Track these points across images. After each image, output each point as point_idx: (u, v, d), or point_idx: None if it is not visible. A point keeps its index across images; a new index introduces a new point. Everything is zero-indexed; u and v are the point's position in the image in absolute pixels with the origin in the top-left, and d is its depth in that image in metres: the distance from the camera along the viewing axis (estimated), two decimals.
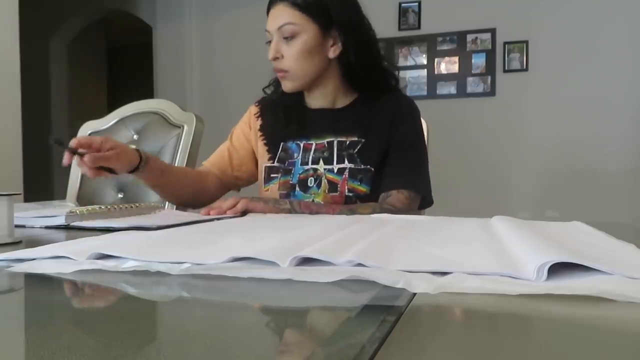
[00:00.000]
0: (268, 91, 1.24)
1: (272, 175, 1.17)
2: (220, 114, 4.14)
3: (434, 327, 0.33)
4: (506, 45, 3.43)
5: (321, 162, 1.13)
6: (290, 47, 1.08)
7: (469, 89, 3.51)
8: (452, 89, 3.53)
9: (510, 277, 0.41)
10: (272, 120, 1.21)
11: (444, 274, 0.42)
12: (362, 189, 1.10)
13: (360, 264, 0.44)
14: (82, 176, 1.66)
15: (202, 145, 1.59)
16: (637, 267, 0.42)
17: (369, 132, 1.13)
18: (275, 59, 1.09)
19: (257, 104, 1.28)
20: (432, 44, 3.57)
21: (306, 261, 0.46)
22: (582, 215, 0.79)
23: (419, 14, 3.61)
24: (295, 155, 1.15)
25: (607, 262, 0.42)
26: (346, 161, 1.11)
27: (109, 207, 0.94)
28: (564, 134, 3.31)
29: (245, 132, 1.26)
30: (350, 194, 1.09)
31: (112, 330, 0.33)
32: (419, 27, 3.63)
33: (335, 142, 1.14)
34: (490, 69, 3.47)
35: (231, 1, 4.09)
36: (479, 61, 3.50)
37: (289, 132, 1.17)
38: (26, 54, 3.08)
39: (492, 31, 3.46)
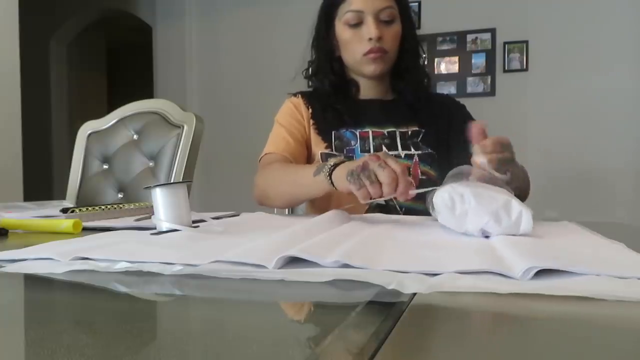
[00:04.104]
0: (316, 81, 1.22)
1: None
2: (220, 114, 4.15)
3: (433, 327, 0.33)
4: (506, 45, 3.42)
5: (384, 149, 1.14)
6: (389, 30, 1.13)
7: (469, 89, 3.51)
8: (452, 89, 3.53)
9: (499, 274, 0.42)
10: (321, 109, 1.20)
11: (435, 274, 0.42)
12: (433, 172, 1.12)
13: (346, 264, 0.44)
14: (82, 176, 1.66)
15: (202, 145, 1.59)
16: (626, 267, 0.42)
17: (425, 122, 1.17)
18: (379, 38, 1.11)
19: (296, 95, 1.25)
20: (432, 44, 3.57)
21: (293, 262, 0.46)
22: (581, 215, 0.79)
23: (419, 14, 3.61)
24: (353, 142, 1.15)
25: (595, 264, 0.43)
26: (412, 149, 1.14)
27: (109, 207, 0.94)
28: (563, 134, 3.31)
29: (298, 120, 1.21)
30: (423, 177, 1.11)
31: (110, 330, 0.33)
32: (419, 27, 3.62)
33: (397, 133, 1.15)
34: (490, 69, 3.47)
35: (231, 1, 4.09)
36: (478, 61, 3.50)
37: (341, 121, 1.17)
38: (26, 55, 3.08)
39: (492, 31, 3.46)
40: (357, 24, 1.12)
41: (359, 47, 1.13)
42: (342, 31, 1.15)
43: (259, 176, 1.10)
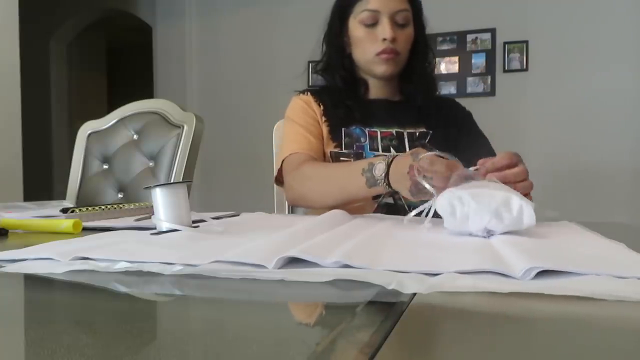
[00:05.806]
0: (327, 77, 1.23)
1: (342, 159, 1.15)
2: (220, 114, 4.15)
3: (433, 327, 0.33)
4: (506, 45, 3.43)
5: (392, 150, 1.14)
6: (403, 33, 1.14)
7: (469, 89, 3.51)
8: (452, 89, 3.53)
9: (499, 274, 0.42)
10: (332, 106, 1.19)
11: (435, 274, 0.42)
12: None
13: (346, 265, 0.44)
14: (82, 176, 1.66)
15: (202, 145, 1.59)
16: (626, 267, 0.42)
17: (432, 125, 1.17)
18: (393, 40, 1.12)
19: (304, 93, 1.25)
20: (432, 44, 3.56)
21: (294, 262, 0.46)
22: (581, 215, 0.79)
23: None
24: (362, 139, 1.15)
25: (595, 264, 0.43)
26: None
27: (109, 207, 0.94)
28: (563, 134, 3.31)
29: (313, 117, 1.20)
30: None
31: (110, 330, 0.33)
32: None
33: (405, 134, 1.16)
34: (490, 69, 3.47)
35: (231, 1, 4.09)
36: (478, 61, 3.50)
37: (351, 119, 1.17)
38: (26, 55, 3.08)
39: (492, 31, 3.46)
40: (372, 24, 1.12)
41: (372, 46, 1.13)
42: (356, 29, 1.15)
43: (292, 178, 1.09)
